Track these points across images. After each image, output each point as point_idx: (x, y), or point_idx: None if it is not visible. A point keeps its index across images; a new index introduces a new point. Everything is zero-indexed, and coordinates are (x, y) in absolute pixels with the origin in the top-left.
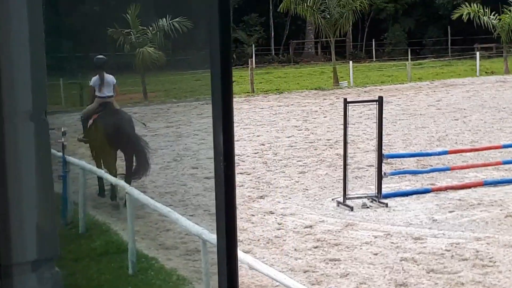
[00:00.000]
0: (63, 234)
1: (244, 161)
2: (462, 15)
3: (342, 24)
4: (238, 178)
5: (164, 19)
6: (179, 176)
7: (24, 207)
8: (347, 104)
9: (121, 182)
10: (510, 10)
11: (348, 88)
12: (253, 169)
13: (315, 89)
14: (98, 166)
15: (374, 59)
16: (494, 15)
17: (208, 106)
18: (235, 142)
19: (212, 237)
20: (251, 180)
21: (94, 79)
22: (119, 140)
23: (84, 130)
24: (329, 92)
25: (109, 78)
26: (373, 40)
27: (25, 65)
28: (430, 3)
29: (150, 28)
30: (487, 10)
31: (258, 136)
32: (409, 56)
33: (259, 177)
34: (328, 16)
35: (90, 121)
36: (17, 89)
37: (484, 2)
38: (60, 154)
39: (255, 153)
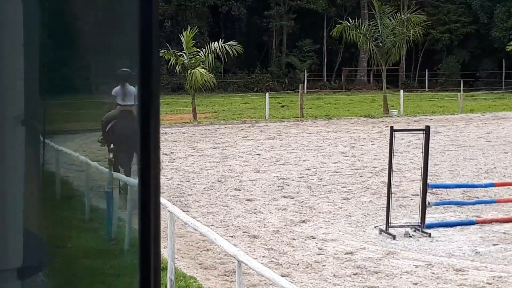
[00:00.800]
0: (106, 249)
1: (288, 185)
2: None
3: (395, 53)
4: (281, 202)
5: (217, 42)
6: (222, 197)
7: (10, 214)
8: (394, 132)
9: (163, 200)
10: None
11: (398, 117)
12: (297, 193)
13: (365, 116)
14: (115, 170)
15: (426, 89)
16: None
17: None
18: (281, 166)
19: (248, 258)
20: (294, 204)
21: (117, 89)
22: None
23: (103, 133)
24: (379, 120)
25: (131, 89)
26: (426, 70)
27: (17, 71)
28: (485, 35)
29: (203, 50)
30: None
31: (304, 160)
32: (462, 88)
33: (302, 202)
34: (381, 44)
35: (109, 126)
36: (7, 94)
37: None
38: (107, 170)
39: (300, 178)
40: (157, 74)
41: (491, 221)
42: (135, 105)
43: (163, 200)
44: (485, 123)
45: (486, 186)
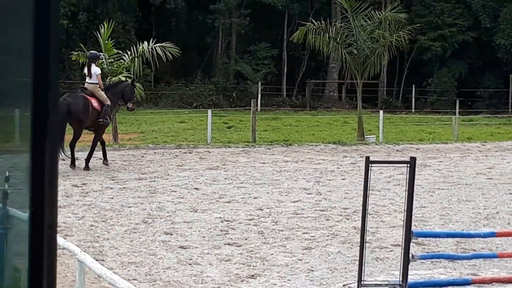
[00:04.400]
0: None
1: (234, 229)
2: None
3: (374, 63)
4: (225, 251)
5: (146, 43)
6: (148, 243)
7: None
8: (370, 165)
9: (72, 246)
10: None
11: (376, 144)
12: (245, 239)
13: (334, 143)
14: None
15: (413, 110)
16: None
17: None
18: (226, 204)
19: None
20: (241, 253)
21: (86, 70)
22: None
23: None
24: (351, 148)
25: (95, 69)
26: (413, 86)
27: None
28: (487, 43)
29: (128, 53)
30: None
31: (255, 198)
32: (457, 109)
33: (251, 251)
34: (356, 51)
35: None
36: None
37: None
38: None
39: (250, 220)
40: (56, 84)
41: (491, 281)
42: (96, 84)
43: (71, 246)
44: (486, 155)
45: (485, 235)
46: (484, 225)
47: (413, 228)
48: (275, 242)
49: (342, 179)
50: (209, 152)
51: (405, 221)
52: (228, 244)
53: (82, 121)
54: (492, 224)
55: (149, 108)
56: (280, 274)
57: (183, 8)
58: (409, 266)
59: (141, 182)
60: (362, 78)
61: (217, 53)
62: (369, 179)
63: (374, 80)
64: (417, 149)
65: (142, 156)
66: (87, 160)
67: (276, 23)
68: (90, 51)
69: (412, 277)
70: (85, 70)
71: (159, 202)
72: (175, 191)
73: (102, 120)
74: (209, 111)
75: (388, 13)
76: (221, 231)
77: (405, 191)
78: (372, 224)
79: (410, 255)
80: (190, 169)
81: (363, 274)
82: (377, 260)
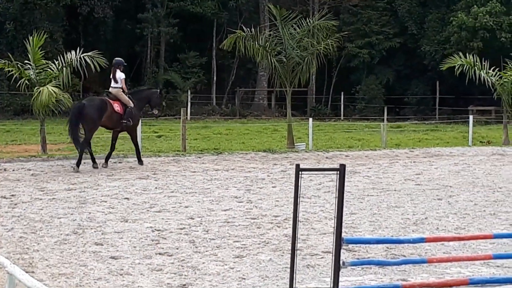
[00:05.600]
0: None
1: (165, 239)
2: (454, 67)
3: (303, 71)
4: (156, 260)
5: (74, 52)
6: (78, 254)
7: None
8: (301, 172)
9: (1, 258)
10: None
11: (306, 152)
12: (177, 249)
13: (264, 151)
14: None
15: (341, 117)
16: (493, 70)
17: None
18: (156, 214)
19: None
20: (172, 263)
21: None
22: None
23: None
24: (282, 156)
25: (119, 74)
26: (342, 93)
27: None
28: (414, 50)
29: (56, 62)
30: (485, 64)
31: (186, 207)
32: (386, 116)
33: (183, 260)
34: (285, 59)
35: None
36: None
37: (482, 54)
38: None
39: (181, 229)
40: None
41: (420, 286)
42: (119, 88)
43: (0, 258)
44: (414, 162)
45: (415, 241)
46: (413, 230)
47: (343, 235)
48: (206, 251)
49: (273, 187)
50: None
51: (335, 228)
52: (159, 253)
53: (94, 122)
54: (421, 229)
55: None
56: (212, 283)
57: (111, 17)
58: (340, 273)
59: (70, 192)
60: (292, 86)
61: (146, 62)
62: (299, 187)
63: (303, 88)
64: (347, 156)
65: (72, 167)
66: (139, 157)
67: (205, 32)
68: (115, 58)
69: (343, 284)
70: (111, 76)
71: (89, 213)
72: (105, 201)
73: (125, 121)
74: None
75: (318, 21)
76: (152, 240)
77: (335, 198)
78: (303, 232)
79: (341, 262)
80: (120, 179)
81: (294, 281)
82: (308, 267)
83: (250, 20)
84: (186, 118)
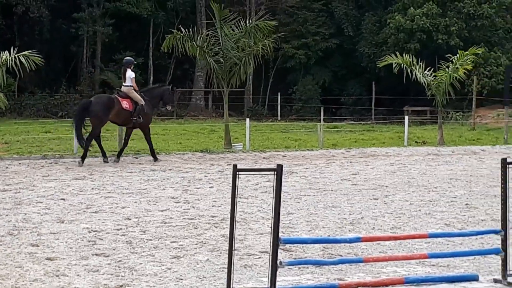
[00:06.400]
0: None
1: (102, 240)
2: (391, 68)
3: (240, 72)
4: (93, 261)
5: (8, 52)
6: (13, 255)
7: None
8: (238, 172)
9: None
10: (448, 66)
11: (243, 152)
12: (113, 250)
13: (201, 151)
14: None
15: (279, 117)
16: (429, 70)
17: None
18: (93, 214)
19: None
20: (109, 264)
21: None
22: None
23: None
24: (219, 156)
25: (129, 73)
26: (279, 94)
27: None
28: (350, 51)
29: None
30: (421, 64)
31: (123, 208)
32: (322, 117)
33: (120, 261)
34: (222, 60)
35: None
36: None
37: (418, 56)
38: None
39: (118, 230)
40: None
41: (357, 285)
42: (130, 87)
43: None
44: (350, 162)
45: (351, 241)
46: (349, 230)
47: (280, 235)
48: (143, 252)
49: (210, 187)
50: (75, 162)
51: (272, 228)
52: (96, 254)
53: (100, 118)
54: (357, 229)
55: (13, 119)
56: (149, 283)
57: (46, 16)
58: (277, 273)
59: (5, 193)
60: (229, 86)
61: (82, 62)
62: (236, 187)
63: (240, 88)
64: (284, 156)
65: (7, 167)
66: (153, 153)
67: (142, 32)
68: (125, 57)
69: (280, 283)
70: (121, 75)
71: (25, 214)
72: (41, 202)
73: (135, 118)
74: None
75: (257, 22)
76: (89, 241)
77: (272, 198)
78: (240, 232)
79: (278, 262)
80: (56, 179)
81: (232, 281)
82: (245, 268)
83: (187, 20)
84: None
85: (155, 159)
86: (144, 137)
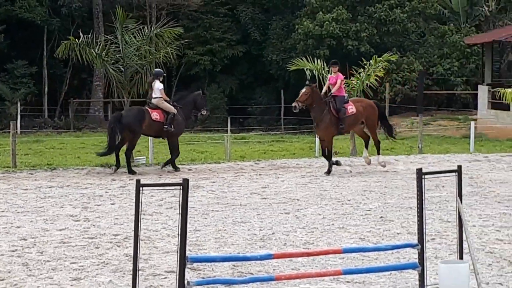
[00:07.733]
0: None
1: None
2: (301, 76)
3: (142, 80)
4: None
5: None
6: None
7: None
8: (141, 188)
9: None
10: (360, 73)
11: (147, 166)
12: (9, 273)
13: (101, 166)
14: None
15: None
16: None
17: None
18: None
19: None
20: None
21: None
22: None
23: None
24: (120, 171)
25: (159, 85)
26: None
27: None
28: (258, 58)
29: None
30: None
31: (18, 227)
32: (229, 127)
33: (15, 285)
34: (122, 68)
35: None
36: None
37: (327, 61)
38: None
39: (13, 251)
40: None
41: None
42: (160, 98)
43: None
44: (259, 174)
45: (262, 258)
46: (260, 247)
47: (187, 253)
48: (41, 274)
49: (112, 204)
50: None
51: (179, 246)
52: None
53: (134, 131)
54: (268, 245)
55: None
56: None
57: None
58: None
59: None
60: (130, 96)
61: None
62: (140, 203)
63: (142, 98)
64: (189, 169)
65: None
66: (173, 163)
67: (35, 39)
68: (155, 69)
69: None
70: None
71: None
72: None
73: (166, 127)
74: None
75: (162, 28)
76: None
77: (179, 214)
78: (144, 251)
79: (186, 282)
80: None
81: None
82: None
83: (83, 26)
84: (16, 132)
85: (176, 168)
86: (170, 146)
